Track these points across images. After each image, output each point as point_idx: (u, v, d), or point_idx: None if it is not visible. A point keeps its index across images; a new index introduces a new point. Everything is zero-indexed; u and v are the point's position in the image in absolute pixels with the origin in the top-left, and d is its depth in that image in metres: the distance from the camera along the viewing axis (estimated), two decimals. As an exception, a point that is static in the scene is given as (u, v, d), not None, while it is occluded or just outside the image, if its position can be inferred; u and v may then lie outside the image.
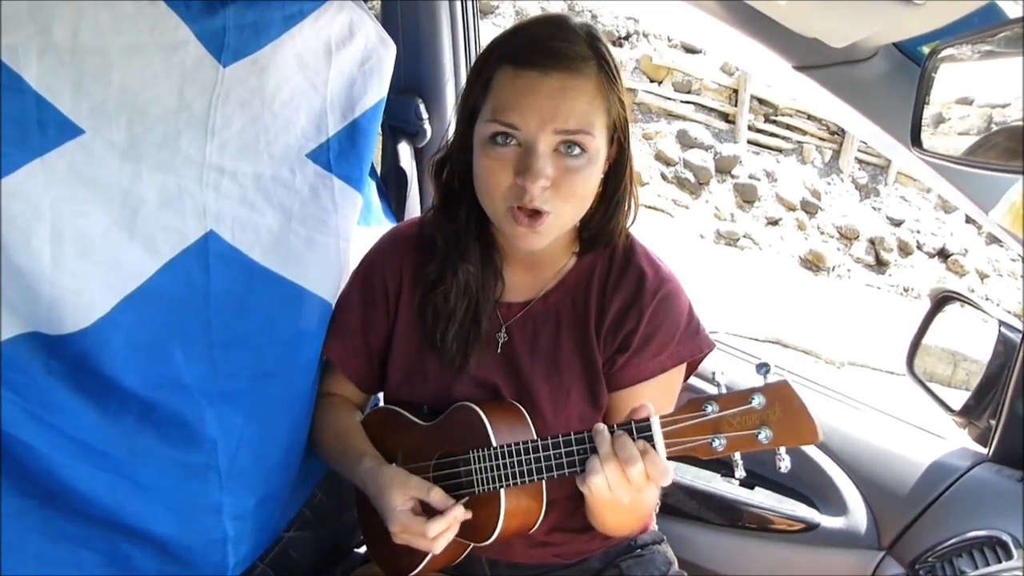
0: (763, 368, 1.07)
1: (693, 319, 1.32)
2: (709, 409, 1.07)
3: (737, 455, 1.08)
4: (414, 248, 1.39)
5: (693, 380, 1.70)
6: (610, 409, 1.32)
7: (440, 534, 1.19)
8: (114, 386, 1.23)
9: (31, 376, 1.16)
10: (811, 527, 1.70)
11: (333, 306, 1.50)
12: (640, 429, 1.09)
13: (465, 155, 1.28)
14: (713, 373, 1.11)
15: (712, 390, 1.09)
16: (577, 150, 1.18)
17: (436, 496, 1.21)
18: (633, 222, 1.35)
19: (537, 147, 1.16)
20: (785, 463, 1.06)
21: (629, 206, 1.32)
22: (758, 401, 1.05)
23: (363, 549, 1.69)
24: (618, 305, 1.31)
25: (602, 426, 1.11)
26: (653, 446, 1.08)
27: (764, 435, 1.04)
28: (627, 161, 1.29)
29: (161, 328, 1.28)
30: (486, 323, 1.32)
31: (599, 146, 1.20)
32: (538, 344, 1.33)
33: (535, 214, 1.19)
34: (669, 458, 1.09)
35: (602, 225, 1.32)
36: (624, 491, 1.09)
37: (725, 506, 1.76)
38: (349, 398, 1.49)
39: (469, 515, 1.22)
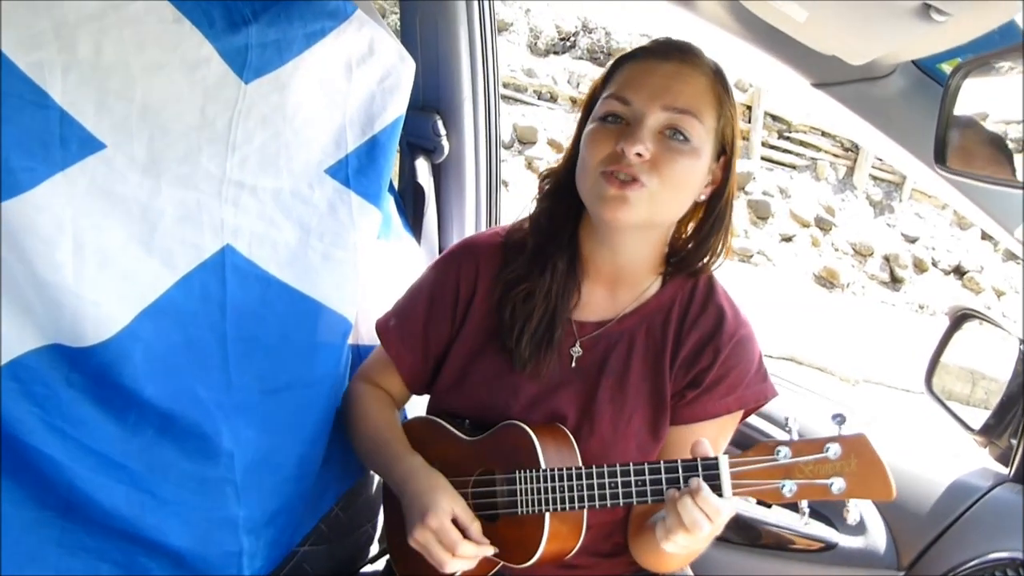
0: (838, 418, 1.06)
1: (762, 366, 1.33)
2: (781, 454, 1.06)
3: (804, 502, 1.08)
4: (498, 255, 1.39)
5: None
6: (667, 443, 1.31)
7: (464, 557, 1.19)
8: (133, 399, 1.24)
9: (52, 388, 1.17)
10: (829, 547, 1.68)
11: (350, 320, 1.51)
12: (707, 467, 1.09)
13: (574, 154, 1.31)
14: (786, 419, 1.11)
15: (783, 435, 1.09)
16: (681, 137, 1.21)
17: (477, 528, 1.22)
18: (719, 262, 1.34)
19: (644, 120, 1.20)
20: (853, 515, 1.06)
21: (722, 240, 1.32)
22: (833, 451, 1.04)
23: (379, 565, 1.69)
24: (695, 340, 1.30)
25: (673, 494, 1.10)
26: (719, 485, 1.08)
27: (837, 486, 1.04)
28: (729, 189, 1.31)
29: (179, 341, 1.29)
30: (559, 332, 1.31)
31: (704, 142, 1.23)
32: (608, 365, 1.31)
33: (629, 182, 1.19)
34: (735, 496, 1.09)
35: (693, 250, 1.32)
36: (694, 543, 1.11)
37: (743, 525, 1.74)
38: (392, 394, 1.49)
39: (492, 552, 1.23)
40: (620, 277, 1.34)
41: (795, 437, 1.08)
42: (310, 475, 1.48)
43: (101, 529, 1.23)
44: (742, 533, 1.75)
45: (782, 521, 1.73)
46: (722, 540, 1.75)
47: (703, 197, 1.30)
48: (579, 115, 1.34)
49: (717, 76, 1.27)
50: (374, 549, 1.74)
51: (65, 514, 1.20)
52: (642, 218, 1.22)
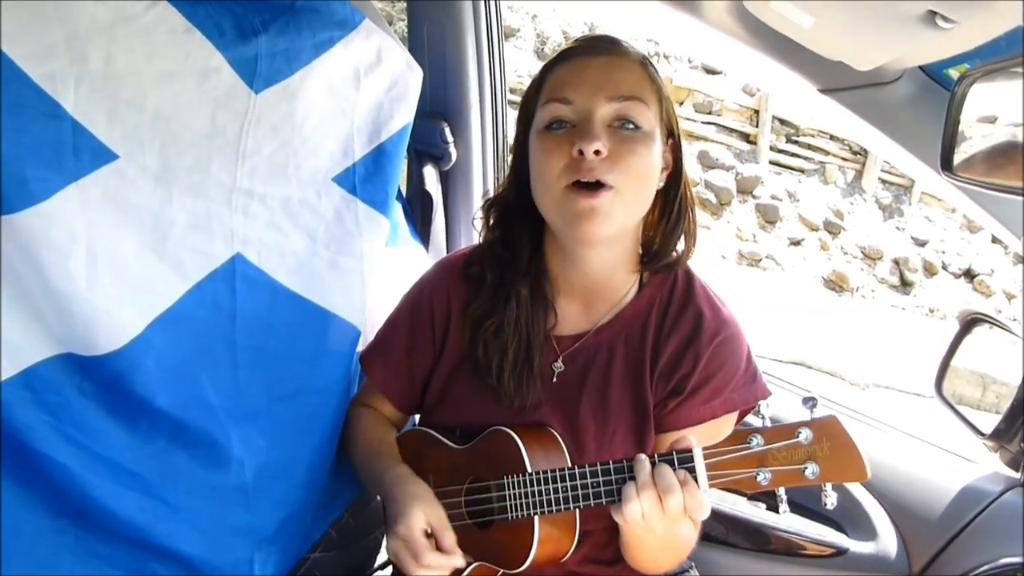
0: (810, 402, 1.06)
1: (751, 366, 1.28)
2: (754, 442, 1.05)
3: (781, 490, 1.07)
4: (463, 281, 1.38)
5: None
6: (655, 452, 1.29)
7: (431, 568, 1.18)
8: (145, 407, 1.24)
9: (65, 397, 1.18)
10: (840, 552, 1.68)
11: (358, 328, 1.51)
12: (682, 460, 1.08)
13: (522, 171, 1.29)
14: (759, 405, 1.11)
15: (756, 421, 1.08)
16: (631, 125, 1.19)
17: (450, 538, 1.21)
18: (693, 248, 1.31)
19: (592, 115, 1.19)
20: (831, 499, 1.05)
21: (689, 224, 1.29)
22: (805, 435, 1.03)
23: (387, 571, 1.69)
24: (674, 346, 1.27)
25: (643, 455, 1.09)
26: (694, 478, 1.07)
27: (811, 470, 1.03)
28: (683, 172, 1.28)
29: (190, 349, 1.30)
30: (538, 358, 1.29)
31: (653, 126, 1.21)
32: (588, 380, 1.29)
33: (596, 187, 1.17)
34: (712, 488, 1.08)
35: (664, 242, 1.29)
36: (658, 521, 1.07)
37: (752, 530, 1.74)
38: (386, 415, 1.49)
39: (462, 563, 1.22)
40: (594, 289, 1.32)
41: (768, 423, 1.08)
42: (320, 482, 1.49)
43: (113, 536, 1.24)
44: (752, 538, 1.75)
45: (792, 526, 1.72)
46: (732, 546, 1.75)
47: (661, 184, 1.27)
48: (515, 134, 1.32)
49: (645, 64, 1.26)
50: (384, 555, 1.74)
51: (78, 521, 1.21)
52: (616, 226, 1.20)
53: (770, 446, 1.05)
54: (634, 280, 1.32)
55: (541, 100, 1.25)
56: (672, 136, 1.27)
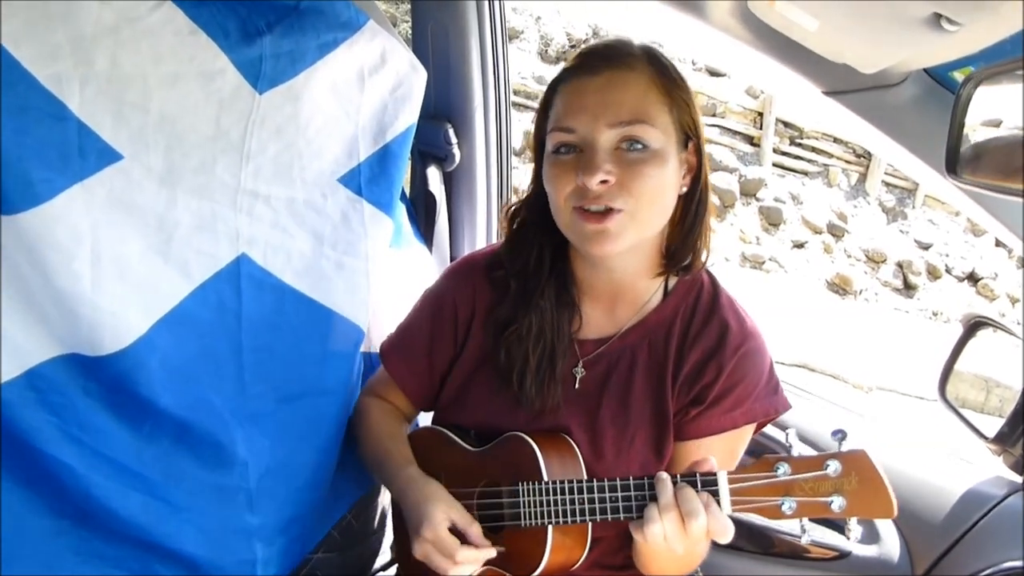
0: (839, 434, 1.05)
1: (772, 378, 1.28)
2: (780, 470, 1.04)
3: (805, 519, 1.06)
4: (488, 283, 1.37)
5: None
6: (672, 460, 1.27)
7: (465, 563, 1.18)
8: (149, 408, 1.24)
9: (69, 397, 1.18)
10: (843, 555, 1.67)
11: (362, 329, 1.51)
12: (705, 483, 1.07)
13: (540, 188, 1.28)
14: (786, 434, 1.10)
15: (779, 435, 1.07)
16: (639, 145, 1.16)
17: (476, 531, 1.20)
18: (707, 249, 1.29)
19: (595, 144, 1.16)
20: (855, 533, 1.05)
21: (707, 228, 1.27)
22: (833, 468, 1.02)
23: (390, 572, 1.69)
24: (698, 355, 1.26)
25: (665, 475, 1.09)
26: (717, 501, 1.06)
27: (837, 504, 1.02)
28: (704, 173, 1.26)
29: (194, 350, 1.30)
30: (561, 363, 1.29)
31: (664, 143, 1.18)
32: (609, 384, 1.28)
33: (605, 211, 1.15)
34: (732, 514, 1.07)
35: (681, 243, 1.26)
36: (680, 543, 1.07)
37: (756, 532, 1.74)
38: (400, 408, 1.48)
39: (494, 554, 1.21)
40: (619, 292, 1.31)
41: (793, 452, 1.07)
42: (323, 483, 1.49)
43: (117, 537, 1.24)
44: (755, 541, 1.74)
45: (795, 530, 1.71)
46: (735, 548, 1.75)
47: (685, 189, 1.25)
48: (532, 152, 1.31)
49: (654, 66, 1.20)
50: (386, 556, 1.74)
51: (81, 522, 1.21)
52: (630, 242, 1.19)
53: (797, 476, 1.04)
54: (659, 285, 1.31)
55: (548, 126, 1.23)
56: (691, 139, 1.24)
